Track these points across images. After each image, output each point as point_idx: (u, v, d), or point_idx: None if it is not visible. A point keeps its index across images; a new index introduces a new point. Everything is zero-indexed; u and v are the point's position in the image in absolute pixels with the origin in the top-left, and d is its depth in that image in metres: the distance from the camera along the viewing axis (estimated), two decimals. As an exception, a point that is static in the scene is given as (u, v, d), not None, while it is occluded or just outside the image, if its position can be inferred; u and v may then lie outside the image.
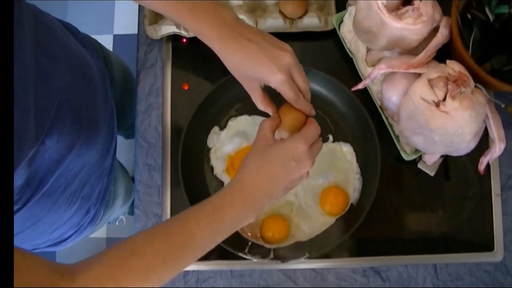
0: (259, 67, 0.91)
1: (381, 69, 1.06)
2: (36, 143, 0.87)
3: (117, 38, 2.47)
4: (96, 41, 1.41)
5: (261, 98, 0.97)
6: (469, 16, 1.08)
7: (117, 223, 2.02)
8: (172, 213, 1.22)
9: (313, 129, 0.94)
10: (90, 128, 1.08)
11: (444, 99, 0.99)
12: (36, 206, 0.99)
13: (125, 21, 2.48)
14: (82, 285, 0.72)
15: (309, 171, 0.94)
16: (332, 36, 1.25)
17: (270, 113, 0.98)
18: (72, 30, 1.22)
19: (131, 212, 2.07)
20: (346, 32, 1.22)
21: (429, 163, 1.19)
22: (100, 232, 2.41)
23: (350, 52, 1.23)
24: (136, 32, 1.30)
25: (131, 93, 1.44)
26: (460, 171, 1.24)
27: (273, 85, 0.93)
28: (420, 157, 1.20)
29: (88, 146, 1.08)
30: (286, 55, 0.93)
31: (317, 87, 1.22)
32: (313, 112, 0.98)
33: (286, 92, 0.93)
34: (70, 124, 0.98)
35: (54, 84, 0.94)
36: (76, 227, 1.23)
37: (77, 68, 1.06)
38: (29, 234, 1.08)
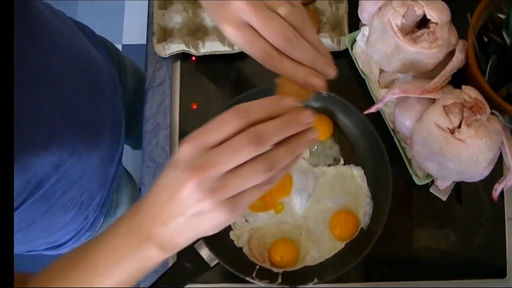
0: (212, 17, 0.74)
1: (395, 94, 1.03)
2: (35, 146, 0.85)
3: (125, 48, 2.46)
4: (112, 44, 1.39)
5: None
6: (485, 39, 1.06)
7: None
8: (178, 235, 1.19)
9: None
10: (93, 134, 1.06)
11: (459, 126, 0.96)
12: (32, 208, 0.96)
13: (134, 31, 2.46)
14: None
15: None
16: (344, 56, 1.23)
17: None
18: (86, 32, 1.20)
19: None
20: (359, 53, 1.20)
21: (442, 188, 1.16)
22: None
23: (363, 73, 1.20)
24: (145, 42, 1.28)
25: (140, 95, 1.41)
26: (473, 196, 1.21)
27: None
28: (432, 181, 1.17)
29: (89, 152, 1.05)
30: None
31: (328, 108, 1.20)
32: (315, 81, 0.73)
33: (246, 50, 0.72)
34: (72, 129, 0.96)
35: (56, 88, 0.92)
36: (74, 232, 1.21)
37: (84, 73, 1.04)
38: (24, 235, 1.05)
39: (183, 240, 0.68)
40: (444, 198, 1.18)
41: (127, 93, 1.43)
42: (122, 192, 1.38)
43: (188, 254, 1.11)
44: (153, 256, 0.68)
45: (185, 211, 0.63)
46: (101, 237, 0.71)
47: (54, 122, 0.90)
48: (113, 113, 1.19)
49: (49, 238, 1.15)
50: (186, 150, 0.63)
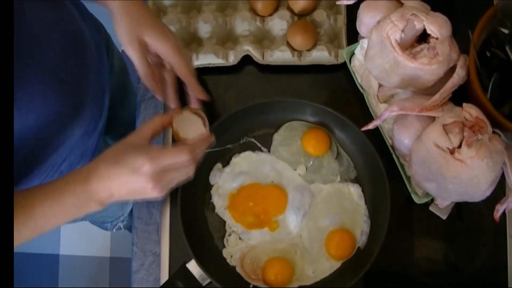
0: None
1: (393, 111, 1.00)
2: (19, 104, 0.88)
3: (123, 53, 2.44)
4: (102, 25, 1.38)
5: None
6: (488, 54, 1.03)
7: (114, 230, 1.98)
8: (171, 253, 1.17)
9: (175, 151, 0.90)
10: (76, 102, 1.06)
11: (460, 146, 0.93)
12: None
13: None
14: None
15: (156, 191, 0.89)
16: (342, 69, 1.20)
17: (156, 95, 1.05)
18: (79, 7, 1.20)
19: (126, 225, 2.03)
20: (358, 66, 1.17)
21: (442, 207, 1.13)
22: (103, 251, 2.38)
23: (361, 87, 1.17)
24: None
25: (125, 91, 1.50)
26: (474, 215, 1.18)
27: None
28: (432, 200, 1.14)
29: (71, 120, 1.06)
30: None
31: (325, 123, 1.17)
32: (198, 94, 1.05)
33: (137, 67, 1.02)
34: (55, 93, 0.97)
35: (40, 47, 0.94)
36: None
37: (68, 39, 1.04)
38: None
39: (118, 201, 0.91)
40: (444, 217, 1.15)
41: (113, 75, 1.41)
42: None
43: (180, 273, 1.09)
44: (92, 208, 0.90)
45: (131, 185, 0.87)
46: (51, 189, 0.88)
47: (37, 82, 0.92)
48: (97, 83, 1.17)
49: None
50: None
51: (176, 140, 0.98)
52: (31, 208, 0.85)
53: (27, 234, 0.87)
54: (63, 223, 0.92)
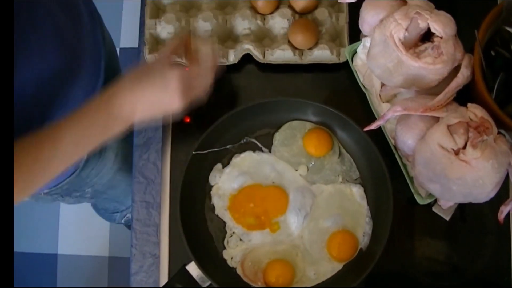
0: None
1: (396, 111, 0.98)
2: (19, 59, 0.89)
3: (123, 52, 2.44)
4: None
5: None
6: (492, 53, 1.01)
7: (123, 221, 2.01)
8: (170, 254, 1.16)
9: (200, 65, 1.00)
10: (75, 61, 1.08)
11: (464, 147, 0.91)
12: None
13: (133, 34, 2.46)
14: None
15: (180, 103, 0.97)
16: (344, 68, 1.18)
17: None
18: None
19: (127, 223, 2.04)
20: (360, 65, 1.15)
21: (445, 207, 1.11)
22: (102, 251, 2.38)
23: (363, 86, 1.15)
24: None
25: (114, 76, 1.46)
26: (477, 215, 1.16)
27: None
28: (435, 200, 1.12)
29: (71, 78, 1.07)
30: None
31: (326, 123, 1.16)
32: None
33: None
34: (56, 49, 1.00)
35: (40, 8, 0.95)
36: None
37: (64, 3, 1.06)
38: None
39: (144, 119, 0.97)
40: (447, 218, 1.13)
41: (105, 52, 1.40)
42: None
43: (179, 275, 1.08)
44: (118, 128, 0.95)
45: (155, 96, 0.95)
46: (76, 114, 0.92)
47: (36, 39, 0.93)
48: (93, 47, 1.19)
49: None
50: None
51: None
52: (58, 136, 0.89)
53: (58, 165, 0.92)
54: (92, 148, 0.96)
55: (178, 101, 0.95)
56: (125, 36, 2.50)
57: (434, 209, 1.13)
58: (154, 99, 0.95)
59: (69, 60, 1.05)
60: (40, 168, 0.89)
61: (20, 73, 0.90)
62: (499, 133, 0.95)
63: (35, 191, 0.93)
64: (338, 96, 1.20)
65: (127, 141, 1.50)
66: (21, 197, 0.87)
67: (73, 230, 2.41)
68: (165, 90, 0.94)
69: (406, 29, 0.97)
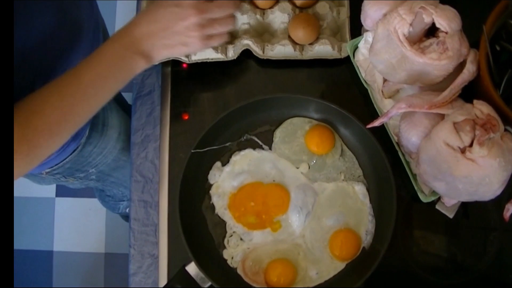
0: None
1: (401, 109, 0.97)
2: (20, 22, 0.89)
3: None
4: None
5: None
6: (497, 48, 1.00)
7: (127, 210, 1.99)
8: (169, 254, 1.14)
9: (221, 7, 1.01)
10: (75, 31, 1.08)
11: (471, 145, 0.90)
12: None
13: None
14: None
15: (197, 24, 0.98)
16: (345, 63, 1.17)
17: None
18: None
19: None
20: (362, 60, 1.13)
21: (449, 205, 1.10)
22: (98, 247, 2.37)
23: (365, 82, 1.14)
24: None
25: None
26: (481, 213, 1.15)
27: None
28: (438, 198, 1.11)
29: (72, 49, 1.07)
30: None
31: (328, 120, 1.14)
32: None
33: None
34: (55, 17, 0.99)
35: None
36: None
37: None
38: None
39: (163, 56, 1.01)
40: (451, 216, 1.12)
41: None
42: (109, 113, 1.36)
43: (179, 275, 1.06)
44: (139, 66, 0.97)
45: (177, 37, 0.97)
46: (93, 56, 0.93)
47: (36, 3, 0.93)
48: (92, 17, 1.19)
49: None
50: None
51: None
52: (77, 80, 0.90)
53: (81, 110, 0.93)
54: (115, 89, 0.97)
55: (197, 34, 0.97)
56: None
57: (437, 206, 1.12)
58: (172, 32, 0.96)
59: (68, 27, 1.05)
60: (63, 115, 0.89)
61: (21, 36, 0.90)
62: (505, 130, 0.94)
63: (61, 143, 0.93)
64: (340, 92, 1.18)
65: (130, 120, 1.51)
66: (47, 151, 0.90)
67: (69, 227, 2.40)
68: (182, 21, 0.95)
69: (411, 24, 0.95)
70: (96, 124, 1.29)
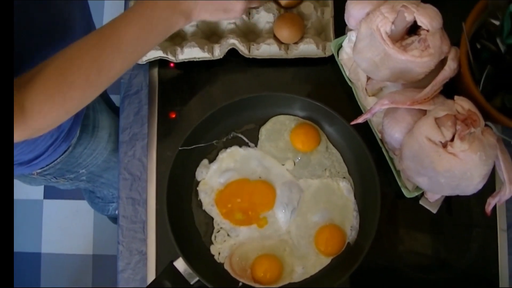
0: None
1: (384, 105, 0.98)
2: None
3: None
4: None
5: None
6: (478, 46, 1.01)
7: (116, 211, 1.96)
8: (157, 251, 1.15)
9: None
10: (65, 31, 1.07)
11: (452, 139, 0.91)
12: None
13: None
14: (31, 100, 0.83)
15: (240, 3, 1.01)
16: (330, 62, 1.18)
17: None
18: None
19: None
20: (345, 59, 1.15)
21: (432, 200, 1.11)
22: (86, 249, 2.37)
23: (349, 80, 1.15)
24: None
25: None
26: (464, 209, 1.17)
27: None
28: (422, 193, 1.12)
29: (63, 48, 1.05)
30: None
31: (313, 118, 1.16)
32: None
33: None
34: (46, 18, 1.00)
35: None
36: (50, 141, 1.19)
37: None
38: None
39: (202, 18, 1.01)
40: (434, 211, 1.13)
41: None
42: (100, 114, 1.36)
43: (167, 271, 1.07)
44: (178, 24, 0.97)
45: (220, 2, 0.99)
46: (132, 13, 0.92)
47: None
48: (84, 18, 1.19)
49: (26, 147, 1.15)
50: None
51: None
52: (117, 36, 0.90)
53: (121, 63, 0.92)
54: (151, 47, 0.98)
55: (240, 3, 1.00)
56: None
57: (421, 202, 1.13)
58: None
59: (60, 28, 1.05)
60: (99, 71, 0.89)
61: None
62: (486, 125, 0.96)
63: (95, 96, 0.93)
64: (324, 90, 1.20)
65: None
66: (81, 104, 0.91)
67: (57, 229, 2.40)
68: None
69: (393, 23, 0.97)
70: (86, 125, 1.30)
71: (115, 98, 1.67)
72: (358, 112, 1.12)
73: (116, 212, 1.89)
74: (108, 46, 0.89)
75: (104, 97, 1.59)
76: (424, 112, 0.97)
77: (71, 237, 2.38)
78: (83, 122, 1.27)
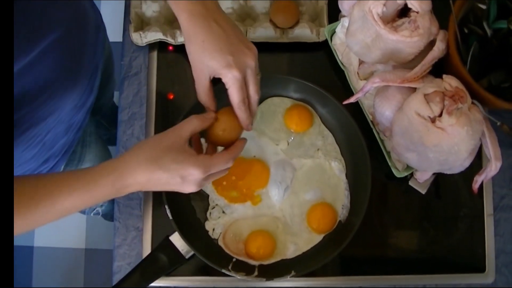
0: (218, 55, 0.88)
1: (375, 83, 1.02)
2: (25, 55, 0.87)
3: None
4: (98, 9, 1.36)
5: (206, 89, 0.94)
6: (466, 30, 1.05)
7: (92, 214, 1.96)
8: (153, 227, 1.17)
9: (223, 160, 0.90)
10: (72, 72, 1.07)
11: (440, 115, 0.95)
12: None
13: (110, 29, 2.46)
14: None
15: (194, 189, 0.91)
16: (323, 47, 1.22)
17: (208, 109, 0.96)
18: None
19: (107, 217, 2.02)
20: (338, 44, 1.19)
21: (421, 181, 1.15)
22: (78, 243, 2.37)
23: (342, 64, 1.19)
24: (121, 40, 1.26)
25: (108, 77, 1.50)
26: (452, 190, 1.20)
27: (224, 79, 0.90)
28: (411, 175, 1.16)
29: (65, 90, 1.06)
30: (249, 55, 0.91)
31: (307, 100, 1.19)
32: (250, 128, 0.96)
33: (234, 92, 0.91)
34: (54, 61, 0.97)
35: (51, 15, 0.93)
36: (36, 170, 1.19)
37: (73, 13, 1.04)
38: None
39: (154, 190, 0.91)
40: (423, 192, 1.17)
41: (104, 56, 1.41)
42: (87, 149, 1.37)
43: (163, 245, 1.09)
44: (127, 193, 0.88)
45: (170, 186, 0.88)
46: (81, 181, 0.85)
47: (39, 50, 0.91)
48: (93, 59, 1.18)
49: None
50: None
51: (208, 137, 0.96)
52: (58, 196, 0.84)
53: (53, 217, 0.87)
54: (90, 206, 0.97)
55: (192, 189, 0.90)
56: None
57: (410, 183, 1.17)
58: (168, 187, 0.89)
59: (67, 73, 1.05)
60: (35, 218, 0.84)
61: (20, 82, 0.90)
62: (472, 103, 0.99)
63: (27, 231, 0.89)
64: (318, 74, 1.23)
65: (108, 151, 1.54)
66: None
67: (49, 222, 2.39)
68: (184, 182, 0.88)
69: (384, 5, 1.00)
70: (72, 160, 1.32)
71: (115, 97, 1.69)
72: (350, 95, 1.14)
73: (92, 214, 1.89)
74: (44, 204, 0.84)
75: (96, 128, 1.60)
76: (413, 90, 1.00)
77: (63, 230, 2.37)
78: (69, 157, 1.29)
